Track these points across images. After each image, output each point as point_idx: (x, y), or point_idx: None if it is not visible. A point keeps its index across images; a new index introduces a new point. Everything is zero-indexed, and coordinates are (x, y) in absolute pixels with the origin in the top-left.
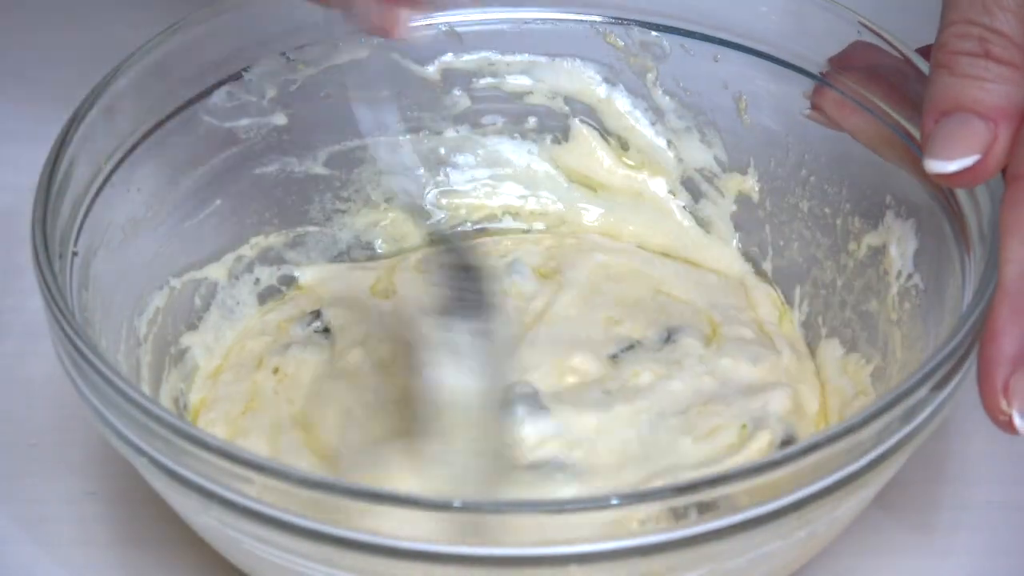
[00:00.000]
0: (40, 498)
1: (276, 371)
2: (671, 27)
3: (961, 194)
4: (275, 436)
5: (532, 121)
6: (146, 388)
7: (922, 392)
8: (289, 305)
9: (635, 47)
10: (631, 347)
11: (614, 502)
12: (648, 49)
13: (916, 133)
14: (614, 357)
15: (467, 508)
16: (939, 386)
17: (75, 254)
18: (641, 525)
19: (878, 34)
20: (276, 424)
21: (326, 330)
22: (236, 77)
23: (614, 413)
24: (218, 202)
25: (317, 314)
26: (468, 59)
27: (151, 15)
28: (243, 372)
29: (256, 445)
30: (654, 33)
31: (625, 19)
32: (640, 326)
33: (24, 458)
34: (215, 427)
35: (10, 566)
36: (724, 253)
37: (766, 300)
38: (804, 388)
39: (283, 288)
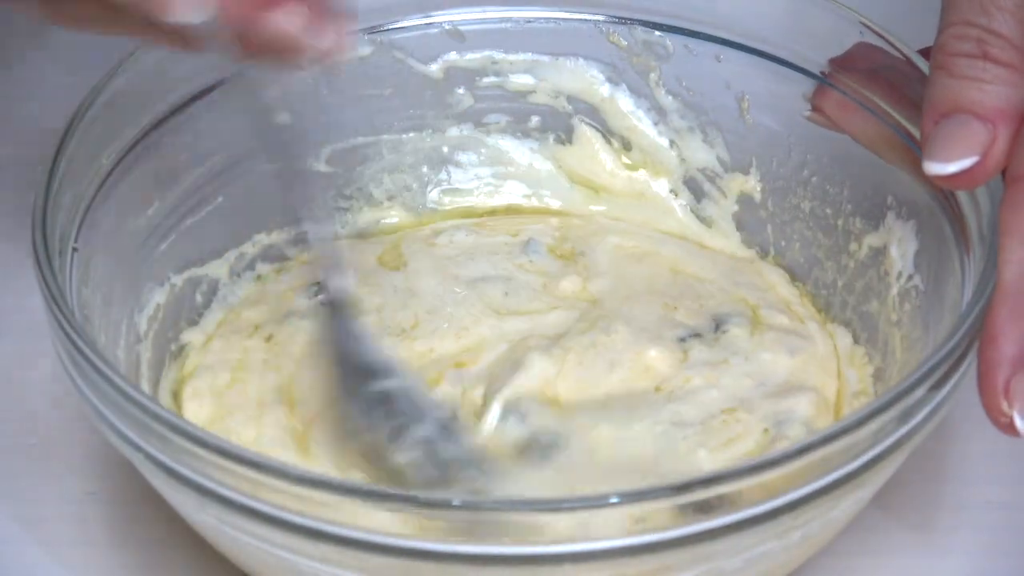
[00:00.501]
0: (40, 498)
1: (269, 339)
2: (674, 27)
3: (961, 195)
4: (259, 416)
5: (535, 120)
6: (146, 385)
7: (920, 392)
8: (291, 275)
9: (638, 47)
10: (697, 335)
11: (612, 500)
12: (651, 49)
13: (917, 134)
14: (683, 343)
15: (464, 506)
16: (937, 386)
17: (75, 250)
18: (635, 524)
19: (880, 35)
20: (261, 400)
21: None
22: (239, 74)
23: (632, 429)
24: (220, 200)
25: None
26: (471, 58)
27: None
28: (235, 340)
29: (241, 429)
30: (657, 33)
31: (628, 19)
32: (691, 313)
33: (24, 458)
34: (201, 401)
35: (10, 566)
36: (728, 243)
37: (781, 280)
38: (830, 383)
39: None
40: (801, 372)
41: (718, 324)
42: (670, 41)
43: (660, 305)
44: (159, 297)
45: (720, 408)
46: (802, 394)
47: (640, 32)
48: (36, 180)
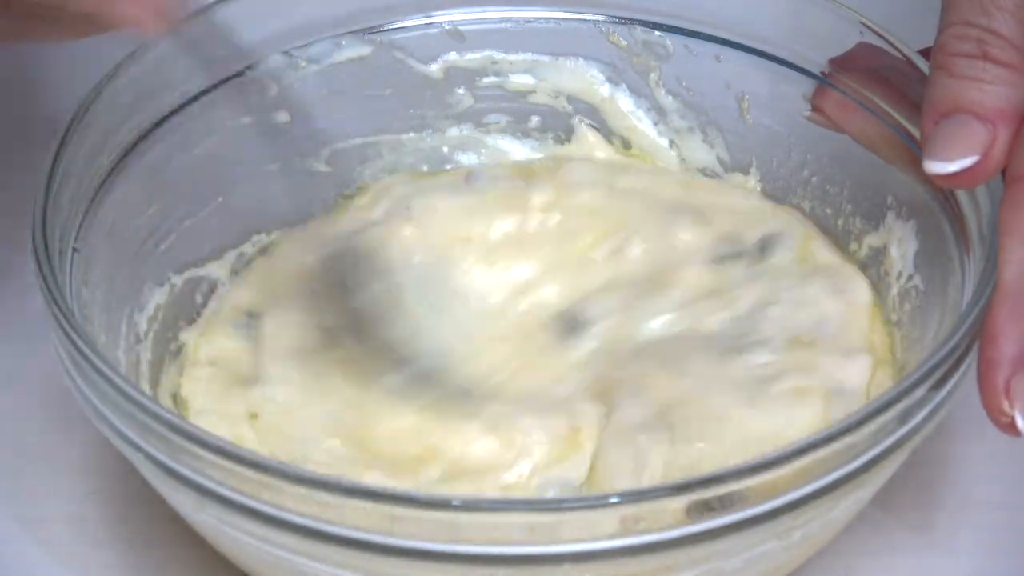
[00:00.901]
0: (40, 498)
1: (254, 416)
2: (674, 27)
3: (961, 195)
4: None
5: (535, 120)
6: (145, 385)
7: (920, 392)
8: (249, 284)
9: (638, 46)
10: (737, 255)
11: (612, 500)
12: (651, 49)
13: (917, 134)
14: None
15: (465, 507)
16: (937, 386)
17: (75, 251)
18: (636, 524)
19: (880, 35)
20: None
21: None
22: (238, 74)
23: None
24: (220, 200)
25: (255, 316)
26: (471, 57)
27: None
28: (218, 415)
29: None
30: (657, 33)
31: (628, 18)
32: (725, 234)
33: (24, 458)
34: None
35: (10, 566)
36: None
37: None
38: (876, 339)
39: None
40: (848, 324)
41: (764, 246)
42: (670, 41)
43: (684, 221)
44: (159, 297)
45: (782, 340)
46: (858, 359)
47: (640, 32)
48: (36, 180)
